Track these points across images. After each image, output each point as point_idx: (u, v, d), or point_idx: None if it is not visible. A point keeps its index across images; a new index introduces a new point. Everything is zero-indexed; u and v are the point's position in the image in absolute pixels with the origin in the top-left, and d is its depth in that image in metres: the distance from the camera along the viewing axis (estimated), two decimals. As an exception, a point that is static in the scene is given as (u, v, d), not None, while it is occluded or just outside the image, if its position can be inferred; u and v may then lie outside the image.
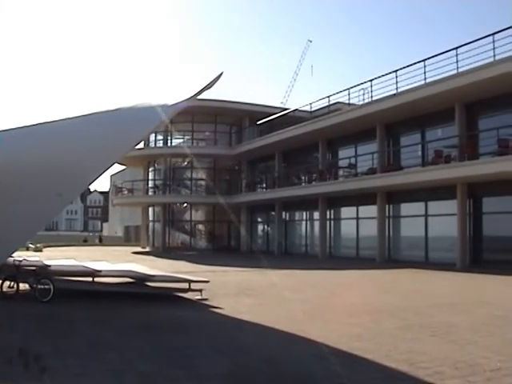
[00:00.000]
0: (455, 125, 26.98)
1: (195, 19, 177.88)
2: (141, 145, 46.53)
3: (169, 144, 50.20)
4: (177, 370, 6.35)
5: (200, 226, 51.72)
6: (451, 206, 27.04)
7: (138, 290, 14.41)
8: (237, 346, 7.79)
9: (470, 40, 24.66)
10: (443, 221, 28.37)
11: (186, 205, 50.06)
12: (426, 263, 28.16)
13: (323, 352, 7.37)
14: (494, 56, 23.56)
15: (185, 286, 13.69)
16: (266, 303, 12.52)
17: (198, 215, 51.78)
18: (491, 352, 7.28)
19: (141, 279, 14.35)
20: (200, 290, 13.32)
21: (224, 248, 47.83)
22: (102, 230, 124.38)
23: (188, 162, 50.01)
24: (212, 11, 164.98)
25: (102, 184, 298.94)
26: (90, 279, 13.75)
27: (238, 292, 14.63)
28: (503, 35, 23.35)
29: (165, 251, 45.05)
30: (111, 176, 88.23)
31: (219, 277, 19.38)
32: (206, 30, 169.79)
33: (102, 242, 72.64)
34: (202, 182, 50.53)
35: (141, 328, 9.22)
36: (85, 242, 71.43)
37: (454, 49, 25.70)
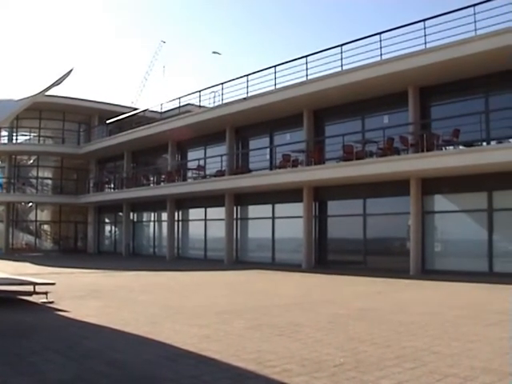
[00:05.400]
0: (304, 130, 26.60)
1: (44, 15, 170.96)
2: (-17, 141, 42.40)
3: (14, 140, 45.69)
4: (22, 378, 5.80)
5: (46, 227, 47.47)
6: (298, 208, 26.51)
7: None
8: (83, 350, 7.28)
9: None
10: (290, 223, 27.65)
11: (31, 204, 45.38)
12: (273, 264, 27.38)
13: (172, 353, 6.92)
14: (342, 66, 23.35)
15: (29, 288, 12.55)
16: (114, 305, 11.80)
17: (44, 215, 47.57)
18: (335, 349, 7.22)
19: (-19, 283, 13.57)
20: (45, 293, 12.16)
21: (71, 249, 44.56)
22: None
23: (34, 160, 46.61)
24: (63, 5, 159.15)
25: None
26: None
27: (84, 294, 13.78)
28: (351, 46, 23.38)
29: (8, 253, 40.88)
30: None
31: (65, 279, 18.35)
32: (55, 24, 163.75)
33: None
34: (49, 181, 47.19)
35: (-18, 334, 8.70)
36: None
37: (304, 57, 25.10)
